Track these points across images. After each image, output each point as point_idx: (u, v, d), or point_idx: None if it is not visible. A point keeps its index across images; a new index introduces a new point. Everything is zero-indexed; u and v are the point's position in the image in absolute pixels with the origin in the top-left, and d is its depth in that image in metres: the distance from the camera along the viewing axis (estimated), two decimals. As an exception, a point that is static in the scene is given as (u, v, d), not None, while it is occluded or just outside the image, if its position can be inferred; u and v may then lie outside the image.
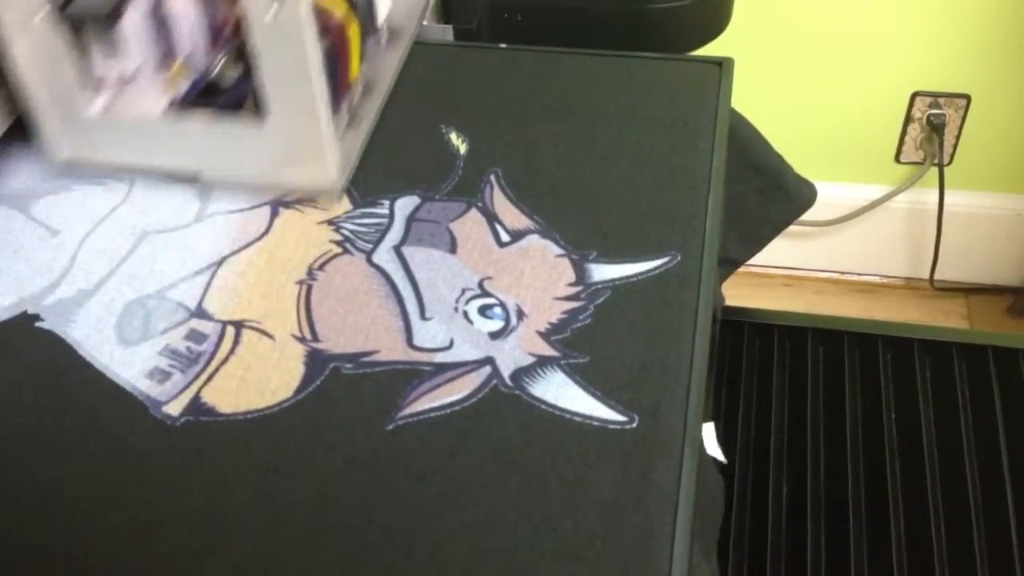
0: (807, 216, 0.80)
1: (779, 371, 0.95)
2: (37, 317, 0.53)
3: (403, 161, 0.61)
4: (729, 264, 0.72)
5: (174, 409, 0.48)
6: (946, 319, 1.48)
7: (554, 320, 0.51)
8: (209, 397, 0.49)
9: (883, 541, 0.82)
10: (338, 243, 0.56)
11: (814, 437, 0.90)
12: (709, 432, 0.83)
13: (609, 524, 0.43)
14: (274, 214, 0.58)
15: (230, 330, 0.52)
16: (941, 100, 1.34)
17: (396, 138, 0.62)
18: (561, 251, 0.55)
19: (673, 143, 0.61)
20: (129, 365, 0.50)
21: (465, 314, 0.52)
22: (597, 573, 0.41)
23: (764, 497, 0.86)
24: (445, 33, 0.78)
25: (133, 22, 0.57)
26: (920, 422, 0.89)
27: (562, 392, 0.48)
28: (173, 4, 0.57)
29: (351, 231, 0.56)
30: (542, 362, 0.49)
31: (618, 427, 0.46)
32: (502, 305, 0.52)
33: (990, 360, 0.91)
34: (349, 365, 0.50)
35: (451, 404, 0.48)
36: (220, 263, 0.55)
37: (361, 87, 0.63)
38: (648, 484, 0.44)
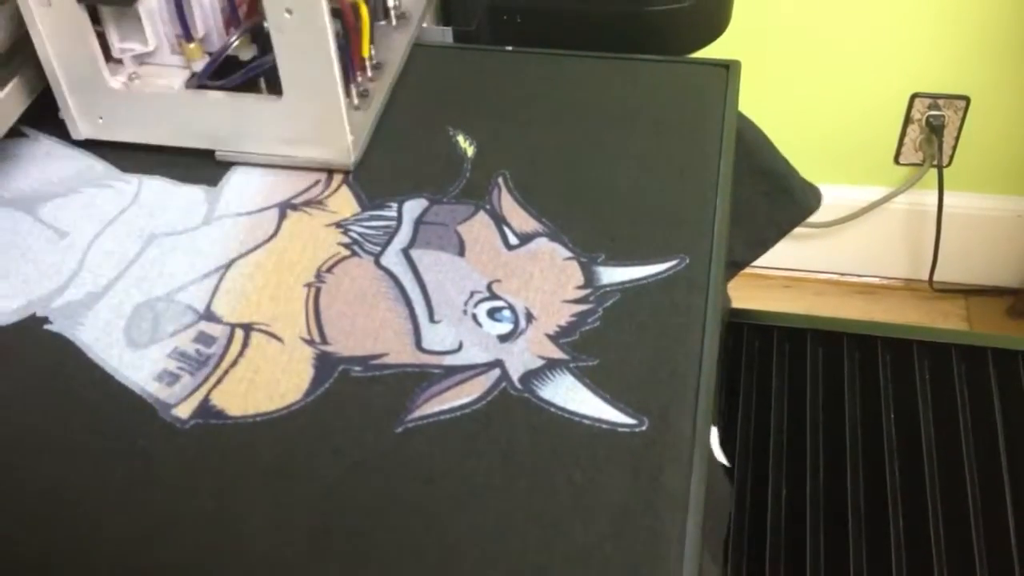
0: (807, 217, 0.80)
1: (778, 372, 0.95)
2: (46, 320, 0.53)
3: (411, 164, 0.61)
4: (733, 267, 0.72)
5: (183, 412, 0.48)
6: (945, 320, 1.49)
7: (563, 323, 0.51)
8: (218, 400, 0.49)
9: (882, 542, 0.82)
10: (346, 246, 0.56)
11: (813, 438, 0.90)
12: (713, 436, 0.83)
13: (619, 527, 0.43)
14: (282, 216, 0.58)
15: (239, 333, 0.52)
16: (940, 101, 1.35)
17: (404, 141, 0.63)
18: (570, 254, 0.55)
19: (680, 146, 0.61)
20: (138, 368, 0.50)
21: (474, 317, 0.52)
22: (608, 576, 0.42)
23: (763, 498, 0.86)
24: (444, 35, 0.78)
25: (150, 2, 0.58)
26: (919, 423, 0.89)
27: (571, 395, 0.48)
28: None
29: (359, 234, 0.57)
30: (551, 365, 0.50)
31: (627, 430, 0.47)
32: (511, 308, 0.52)
33: (989, 362, 0.91)
34: (358, 368, 0.50)
35: (460, 407, 0.48)
36: (228, 266, 0.55)
37: (371, 67, 0.65)
38: (657, 487, 0.44)
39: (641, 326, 0.51)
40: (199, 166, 0.61)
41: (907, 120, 1.38)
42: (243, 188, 0.60)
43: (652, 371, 0.49)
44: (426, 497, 0.44)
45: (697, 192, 0.58)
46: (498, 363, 0.50)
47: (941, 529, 0.82)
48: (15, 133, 0.63)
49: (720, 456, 0.83)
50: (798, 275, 1.56)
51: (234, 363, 0.50)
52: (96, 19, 0.58)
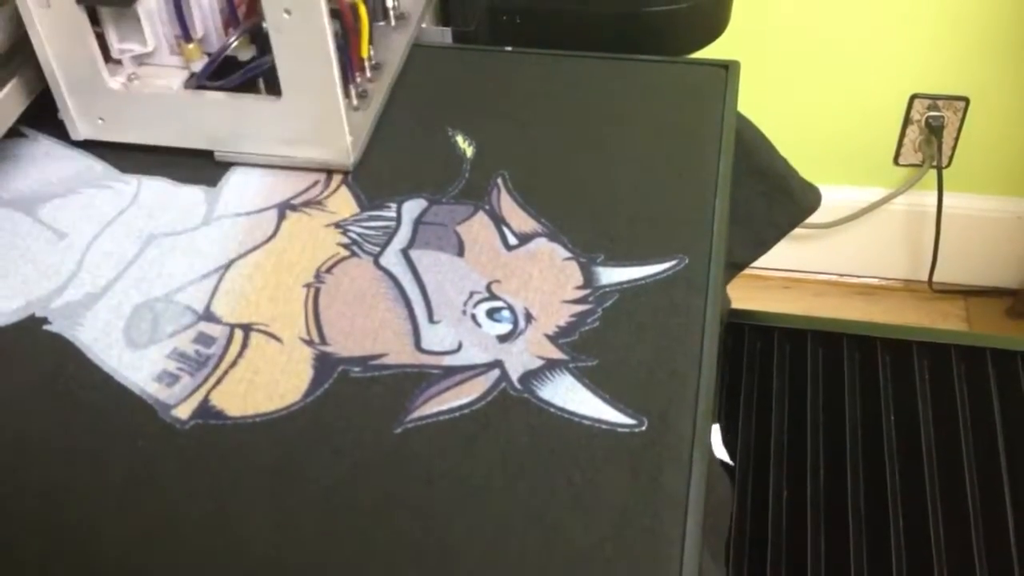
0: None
1: (778, 373, 0.95)
2: (45, 320, 0.53)
3: (410, 164, 0.61)
4: (733, 268, 0.72)
5: (183, 412, 0.48)
6: (945, 321, 1.49)
7: (562, 323, 0.51)
8: (218, 400, 0.49)
9: (882, 542, 0.82)
10: (345, 246, 0.56)
11: (813, 438, 0.90)
12: (715, 435, 0.83)
13: (619, 527, 0.43)
14: (281, 217, 0.58)
15: (238, 333, 0.52)
16: (940, 102, 1.35)
17: (403, 141, 0.63)
18: (569, 254, 0.55)
19: (680, 146, 0.61)
20: (137, 368, 0.50)
21: (473, 317, 0.52)
22: (608, 577, 0.42)
23: (764, 498, 0.86)
24: (444, 36, 0.78)
25: (149, 3, 0.58)
26: (919, 423, 0.89)
27: (571, 395, 0.48)
28: None
29: (358, 234, 0.57)
30: (551, 365, 0.49)
31: (627, 430, 0.47)
32: (510, 308, 0.52)
33: (988, 362, 0.91)
34: (357, 368, 0.50)
35: (460, 407, 0.48)
36: (228, 266, 0.55)
37: (371, 68, 0.65)
38: (657, 487, 0.44)
39: (640, 326, 0.51)
40: (198, 167, 0.61)
41: (906, 121, 1.38)
42: (242, 189, 0.60)
43: (651, 371, 0.49)
44: (425, 498, 0.44)
45: (696, 192, 0.58)
46: (497, 363, 0.50)
47: (941, 529, 0.82)
48: (14, 133, 0.63)
49: (722, 453, 0.83)
50: (798, 276, 1.56)
51: (233, 364, 0.50)
52: (95, 20, 0.58)
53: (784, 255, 1.54)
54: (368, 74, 0.65)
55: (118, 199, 0.60)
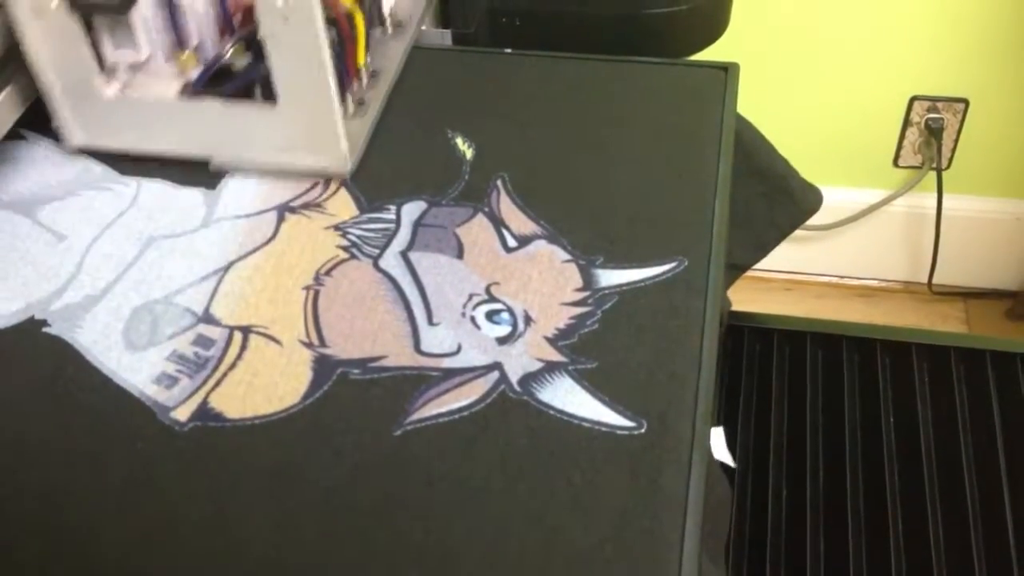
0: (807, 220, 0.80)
1: (778, 374, 0.95)
2: (44, 323, 0.53)
3: (409, 166, 0.61)
4: (735, 269, 0.72)
5: (182, 414, 0.48)
6: (945, 323, 1.49)
7: (562, 325, 0.51)
8: (217, 402, 0.49)
9: (882, 544, 0.82)
10: (345, 248, 0.56)
11: (813, 440, 0.90)
12: (718, 436, 0.83)
13: (618, 529, 0.43)
14: (280, 219, 0.58)
15: (237, 335, 0.52)
16: (939, 104, 1.35)
17: (402, 143, 0.63)
18: (568, 256, 0.55)
19: (679, 148, 0.61)
20: (136, 370, 0.50)
21: (472, 319, 0.52)
22: (607, 579, 0.42)
23: (764, 500, 0.86)
24: (444, 38, 0.78)
25: (144, 11, 0.58)
26: (918, 425, 0.89)
27: (570, 398, 0.48)
28: None
29: (358, 236, 0.57)
30: (550, 367, 0.49)
31: (626, 432, 0.47)
32: (510, 310, 0.52)
33: (988, 364, 0.91)
34: (357, 370, 0.50)
35: (459, 409, 0.48)
36: (227, 268, 0.55)
37: (367, 76, 0.64)
38: (657, 489, 0.44)
39: (640, 328, 0.51)
40: (197, 169, 0.61)
41: (906, 123, 1.38)
42: (242, 191, 0.60)
43: (651, 373, 0.49)
44: (425, 499, 0.44)
45: (696, 194, 0.58)
46: (497, 366, 0.50)
47: (940, 531, 0.82)
48: (13, 136, 0.63)
49: (725, 455, 0.83)
50: (798, 278, 1.56)
51: (232, 366, 0.50)
52: (89, 27, 0.58)
53: (784, 257, 1.54)
54: (365, 82, 0.64)
55: (117, 201, 0.60)
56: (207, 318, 0.53)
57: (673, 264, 0.54)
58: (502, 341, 0.51)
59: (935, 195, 1.40)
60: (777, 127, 1.40)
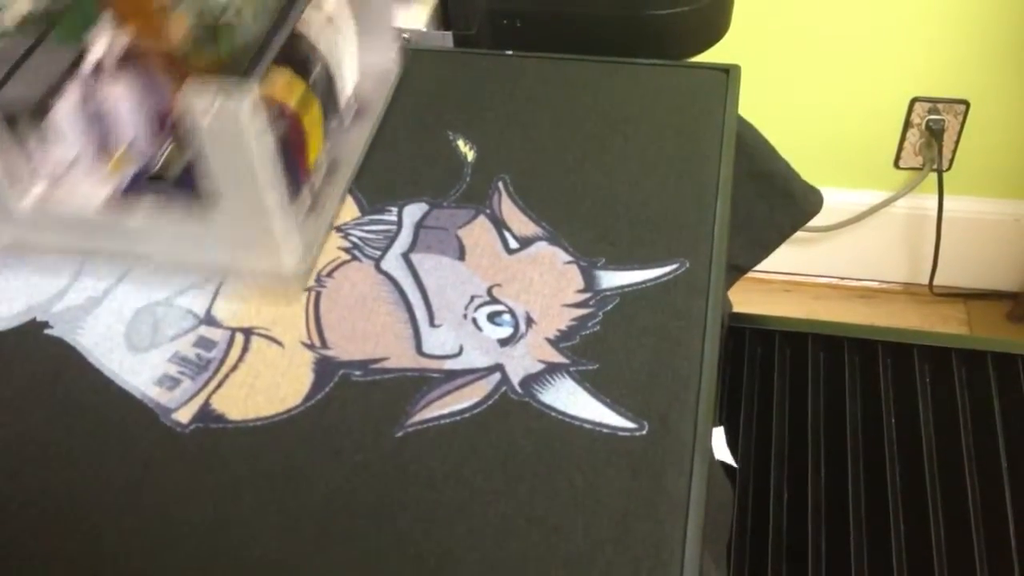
0: (807, 222, 0.80)
1: (779, 376, 0.95)
2: (46, 324, 0.53)
3: (411, 168, 0.61)
4: (736, 271, 0.73)
5: (183, 416, 0.48)
6: (946, 324, 1.49)
7: (563, 327, 0.51)
8: (218, 404, 0.49)
9: (883, 545, 0.82)
10: (346, 250, 0.56)
11: (814, 441, 0.90)
12: (719, 437, 0.83)
13: (620, 531, 0.43)
14: (282, 221, 0.58)
15: (239, 337, 0.52)
16: (940, 106, 1.35)
17: (403, 145, 0.63)
18: (570, 258, 0.55)
19: (680, 150, 0.61)
20: (138, 372, 0.50)
21: (474, 321, 0.52)
22: (609, 580, 0.42)
23: (765, 501, 0.86)
24: (444, 40, 0.78)
25: (66, 112, 0.54)
26: (920, 427, 0.89)
27: (572, 399, 0.48)
28: (108, 93, 0.53)
29: (359, 238, 0.57)
30: (551, 369, 0.50)
31: (628, 434, 0.47)
32: (511, 312, 0.52)
33: (989, 365, 0.91)
34: (358, 372, 0.50)
35: (461, 411, 0.48)
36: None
37: (324, 168, 0.59)
38: (658, 491, 0.44)
39: (641, 330, 0.51)
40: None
41: (907, 124, 1.38)
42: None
43: (652, 375, 0.49)
44: (427, 501, 0.44)
45: (697, 196, 0.58)
46: (498, 367, 0.50)
47: (942, 532, 0.82)
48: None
49: (727, 456, 0.83)
50: (798, 279, 1.56)
51: (234, 367, 0.50)
52: (13, 127, 0.53)
53: (785, 258, 1.54)
54: (320, 178, 0.58)
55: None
56: (209, 320, 0.53)
57: (674, 265, 0.54)
58: (504, 343, 0.51)
59: (936, 196, 1.40)
60: (778, 128, 1.40)
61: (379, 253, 0.56)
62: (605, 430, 0.47)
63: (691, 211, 0.57)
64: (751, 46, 1.31)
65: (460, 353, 0.50)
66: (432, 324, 0.52)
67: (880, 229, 1.48)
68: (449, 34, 0.78)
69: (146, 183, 0.55)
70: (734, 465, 0.87)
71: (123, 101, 0.54)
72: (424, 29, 0.77)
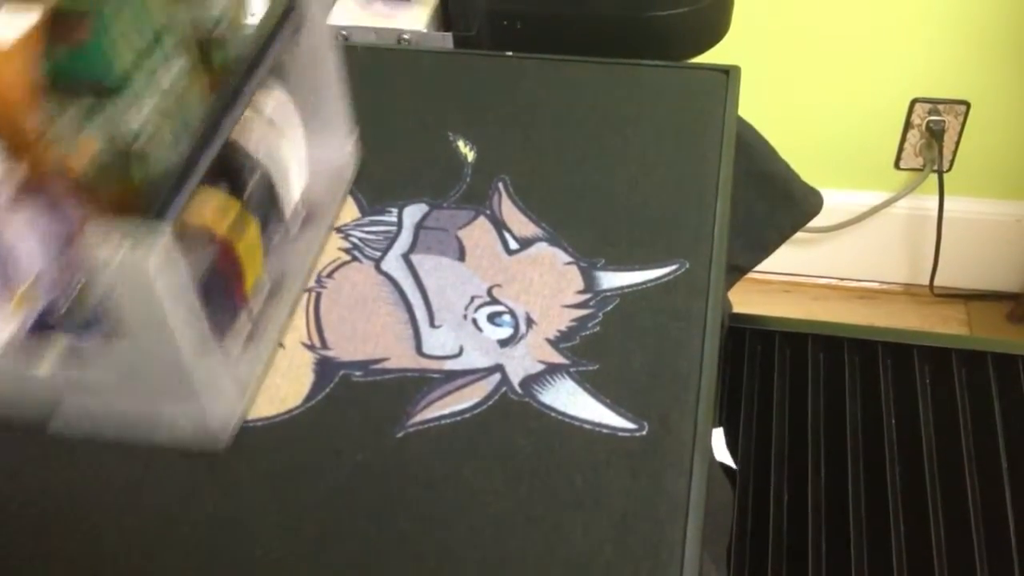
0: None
1: (779, 376, 0.95)
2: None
3: (410, 169, 0.61)
4: (736, 271, 0.73)
5: (184, 416, 0.48)
6: (946, 325, 1.49)
7: (563, 328, 0.51)
8: (219, 404, 0.49)
9: (883, 546, 0.82)
10: (346, 251, 0.56)
11: (814, 442, 0.90)
12: (718, 438, 0.83)
13: (619, 531, 0.43)
14: (282, 221, 0.58)
15: (240, 337, 0.52)
16: (940, 107, 1.35)
17: (403, 146, 0.63)
18: (570, 259, 0.55)
19: (680, 151, 0.61)
20: (139, 372, 0.50)
21: (474, 322, 0.52)
22: (608, 580, 0.42)
23: (765, 501, 0.86)
24: (445, 41, 0.79)
25: None
26: (920, 427, 0.89)
27: (572, 400, 0.48)
28: (8, 224, 0.46)
29: (359, 239, 0.57)
30: (551, 370, 0.50)
31: (628, 434, 0.47)
32: (511, 313, 0.52)
33: (989, 366, 0.91)
34: (359, 373, 0.50)
35: (461, 411, 0.48)
36: (229, 270, 0.55)
37: (267, 288, 0.52)
38: (658, 491, 0.44)
39: (641, 331, 0.51)
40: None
41: (907, 125, 1.38)
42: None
43: (652, 376, 0.49)
44: (427, 501, 0.45)
45: (697, 197, 0.58)
46: (498, 368, 0.50)
47: (942, 533, 0.82)
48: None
49: (726, 457, 0.83)
50: (798, 280, 1.56)
51: (235, 368, 0.50)
52: None
53: (785, 259, 1.54)
54: (261, 301, 0.51)
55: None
56: (209, 320, 0.53)
57: (674, 266, 0.54)
58: (504, 343, 0.51)
59: (936, 197, 1.40)
60: (779, 129, 1.40)
61: (379, 254, 0.56)
62: (605, 430, 0.47)
63: (691, 212, 0.57)
64: (751, 47, 1.31)
65: (460, 353, 0.50)
66: (432, 325, 0.52)
67: (881, 230, 1.48)
68: (449, 35, 0.78)
69: (54, 323, 0.48)
70: (733, 467, 0.87)
71: (25, 232, 0.46)
72: (424, 30, 0.77)
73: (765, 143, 0.73)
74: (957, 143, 1.38)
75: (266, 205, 0.51)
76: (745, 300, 1.48)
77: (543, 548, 0.43)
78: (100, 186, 0.43)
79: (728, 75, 0.66)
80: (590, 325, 0.52)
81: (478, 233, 0.57)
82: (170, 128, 0.44)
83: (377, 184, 0.60)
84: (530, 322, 0.52)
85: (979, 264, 1.49)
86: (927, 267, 1.49)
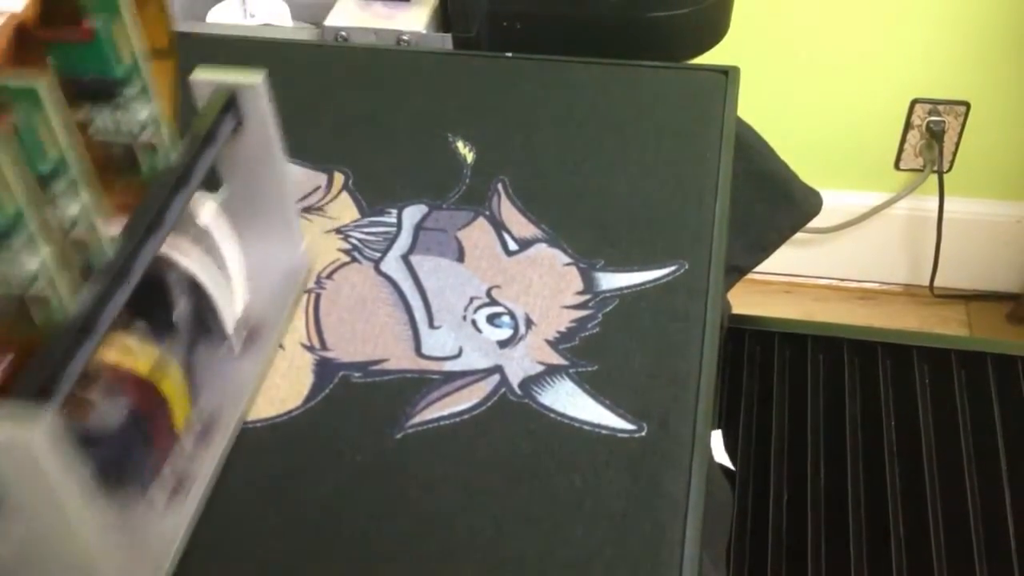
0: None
1: (779, 377, 0.95)
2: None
3: (410, 170, 0.61)
4: (736, 272, 0.73)
5: (184, 417, 0.48)
6: (946, 326, 1.49)
7: (563, 329, 0.51)
8: (218, 405, 0.49)
9: (883, 547, 0.83)
10: (346, 252, 0.56)
11: (814, 443, 0.90)
12: (717, 439, 0.83)
13: (619, 532, 0.43)
14: (282, 222, 0.58)
15: (239, 338, 0.52)
16: (940, 107, 1.35)
17: (403, 147, 0.63)
18: (569, 260, 0.55)
19: (680, 152, 0.61)
20: (138, 373, 0.50)
21: (474, 323, 0.52)
22: (608, 582, 0.42)
23: (764, 502, 0.87)
24: (444, 42, 0.78)
25: None
26: (919, 428, 0.89)
27: (571, 401, 0.48)
28: None
29: (359, 240, 0.57)
30: (551, 371, 0.50)
31: (627, 435, 0.47)
32: (510, 314, 0.52)
33: (989, 367, 0.92)
34: (358, 374, 0.50)
35: (460, 412, 0.48)
36: (228, 271, 0.55)
37: (200, 425, 0.46)
38: (657, 492, 0.44)
39: (641, 332, 0.51)
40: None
41: (907, 126, 1.38)
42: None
43: (652, 376, 0.49)
44: (426, 502, 0.45)
45: (696, 197, 0.58)
46: (498, 369, 0.50)
47: (941, 534, 0.83)
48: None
49: (724, 458, 0.83)
50: (798, 280, 1.56)
51: (234, 369, 0.50)
52: None
53: (785, 259, 1.54)
54: (192, 440, 0.46)
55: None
56: (209, 321, 0.53)
57: (674, 267, 0.54)
58: (503, 344, 0.51)
59: (936, 198, 1.40)
60: (778, 130, 1.39)
61: (378, 255, 0.56)
62: (604, 431, 0.47)
63: (690, 213, 0.57)
64: (751, 48, 1.31)
65: (460, 355, 0.50)
66: (431, 326, 0.52)
67: (881, 230, 1.48)
68: (449, 36, 0.78)
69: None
70: (731, 468, 0.87)
71: None
72: (424, 31, 0.77)
73: (764, 144, 0.73)
74: (957, 143, 1.38)
75: (199, 332, 0.47)
76: (745, 301, 1.48)
77: (543, 549, 0.43)
78: (4, 331, 0.38)
79: (727, 76, 0.66)
80: (589, 326, 0.52)
81: (477, 234, 0.57)
82: (76, 266, 0.39)
83: (376, 185, 0.60)
84: (529, 323, 0.52)
85: (979, 264, 1.49)
86: (927, 268, 1.49)
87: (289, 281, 0.53)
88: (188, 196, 0.43)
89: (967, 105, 1.34)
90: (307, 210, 0.59)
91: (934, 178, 1.40)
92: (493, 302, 0.53)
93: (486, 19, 0.82)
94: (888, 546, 0.82)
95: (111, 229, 0.40)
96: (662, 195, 0.58)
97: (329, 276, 0.55)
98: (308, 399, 0.49)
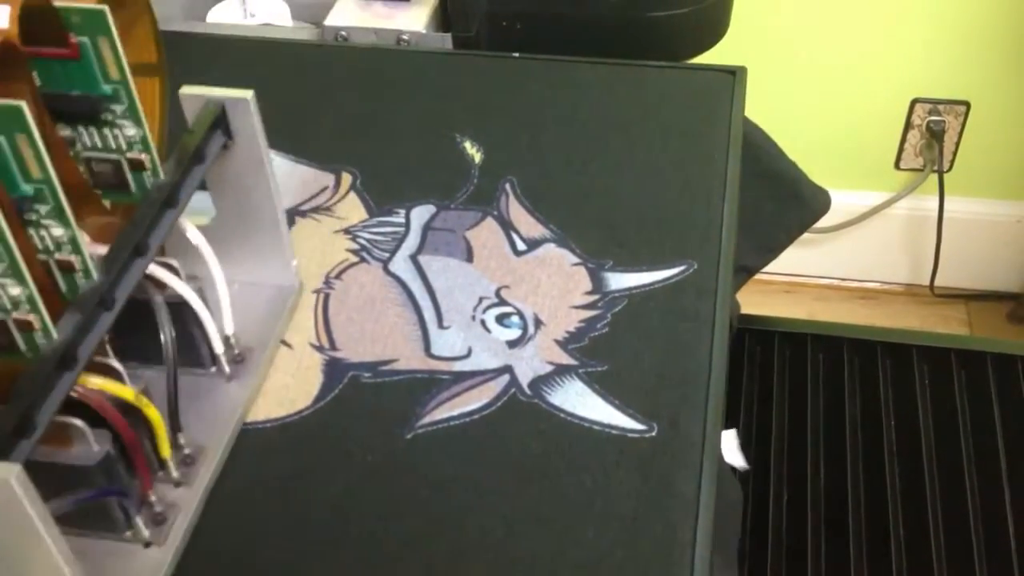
0: (808, 223, 0.80)
1: (779, 377, 0.96)
2: (55, 324, 0.53)
3: (418, 170, 0.61)
4: (744, 272, 0.73)
5: (193, 417, 0.48)
6: (946, 325, 1.49)
7: (572, 329, 0.52)
8: (228, 405, 0.49)
9: (882, 547, 0.83)
10: (355, 252, 0.56)
11: (814, 442, 0.90)
12: (731, 439, 0.83)
13: (629, 533, 0.43)
14: (290, 223, 0.58)
15: (248, 338, 0.52)
16: (941, 107, 1.35)
17: (411, 147, 0.63)
18: (577, 260, 0.55)
19: (687, 152, 0.61)
20: (147, 373, 0.50)
21: (483, 323, 0.52)
22: (619, 582, 0.42)
23: (764, 501, 0.87)
24: (444, 41, 0.78)
25: None
26: (919, 428, 0.90)
27: (580, 401, 0.48)
28: None
29: (367, 240, 0.57)
30: (560, 371, 0.50)
31: (637, 435, 0.47)
32: (519, 314, 0.52)
33: (989, 366, 0.92)
34: (367, 374, 0.50)
35: (470, 413, 0.48)
36: (237, 271, 0.55)
37: (187, 449, 0.45)
38: (668, 492, 0.44)
39: (650, 332, 0.51)
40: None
41: (907, 125, 1.38)
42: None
43: (661, 376, 0.49)
44: (436, 503, 0.45)
45: (705, 197, 0.58)
46: (507, 369, 0.50)
47: (941, 534, 0.83)
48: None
49: (738, 458, 0.83)
50: (799, 280, 1.56)
51: (243, 369, 0.50)
52: None
53: (785, 259, 1.53)
54: (175, 474, 0.44)
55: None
56: (217, 321, 0.53)
57: (682, 267, 0.54)
58: (512, 344, 0.51)
59: (937, 197, 1.40)
60: (778, 130, 1.39)
61: (387, 255, 0.56)
62: (614, 431, 0.47)
63: (699, 212, 0.57)
64: (751, 47, 1.31)
65: (469, 355, 0.51)
66: (441, 326, 0.52)
67: (881, 230, 1.48)
68: (448, 36, 0.78)
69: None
70: (746, 467, 0.87)
71: None
72: (424, 31, 0.77)
73: (772, 143, 0.73)
74: (957, 143, 1.38)
75: (185, 357, 0.46)
76: (746, 300, 1.48)
77: (553, 549, 0.43)
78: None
79: (735, 76, 0.67)
80: (599, 326, 0.52)
81: (486, 234, 0.57)
82: (56, 297, 0.38)
83: (385, 185, 0.60)
84: (538, 323, 0.52)
85: (979, 264, 1.49)
86: (927, 267, 1.49)
87: (279, 302, 0.52)
88: (176, 215, 0.43)
89: (967, 105, 1.34)
90: (315, 210, 0.59)
91: (934, 178, 1.40)
92: (502, 302, 0.53)
93: (486, 19, 0.82)
94: (888, 546, 0.83)
95: (97, 250, 0.40)
96: (670, 195, 0.58)
97: (338, 276, 0.55)
98: (318, 399, 0.49)
